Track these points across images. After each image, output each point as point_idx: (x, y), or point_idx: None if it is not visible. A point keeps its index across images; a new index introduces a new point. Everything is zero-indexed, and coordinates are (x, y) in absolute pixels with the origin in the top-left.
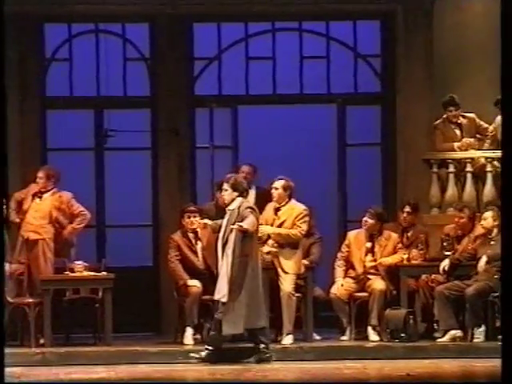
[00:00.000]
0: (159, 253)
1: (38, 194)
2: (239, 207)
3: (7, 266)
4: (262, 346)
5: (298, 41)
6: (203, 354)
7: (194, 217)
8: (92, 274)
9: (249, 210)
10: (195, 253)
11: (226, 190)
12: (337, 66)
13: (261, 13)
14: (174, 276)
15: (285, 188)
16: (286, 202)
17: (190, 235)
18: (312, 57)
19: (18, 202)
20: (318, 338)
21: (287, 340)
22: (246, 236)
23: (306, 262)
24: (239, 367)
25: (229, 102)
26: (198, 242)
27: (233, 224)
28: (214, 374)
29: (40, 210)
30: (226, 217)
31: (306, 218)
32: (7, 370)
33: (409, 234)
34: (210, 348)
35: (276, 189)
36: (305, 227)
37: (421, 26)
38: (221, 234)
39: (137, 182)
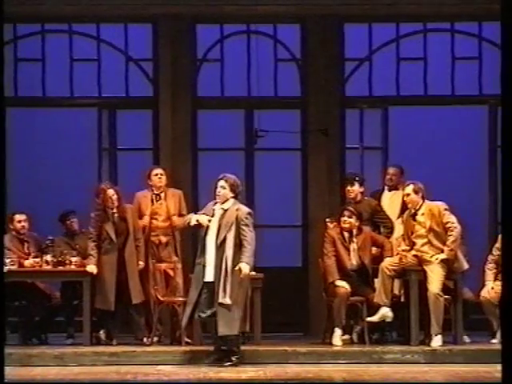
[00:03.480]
0: (308, 253)
1: (157, 198)
2: (237, 209)
3: (151, 265)
4: (234, 349)
5: (450, 41)
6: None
7: (349, 217)
8: None
9: (247, 227)
10: (348, 251)
11: (224, 188)
12: (489, 67)
13: (412, 13)
14: (325, 271)
15: (416, 191)
16: (421, 206)
17: (345, 234)
18: (464, 58)
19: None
20: (467, 340)
21: (436, 342)
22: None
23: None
24: (386, 368)
25: (379, 102)
26: (353, 242)
27: (227, 227)
28: (362, 374)
29: (163, 212)
30: (218, 214)
31: (448, 212)
32: (158, 367)
33: None
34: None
35: (408, 195)
36: (453, 219)
37: None
38: (213, 233)
39: (286, 183)
